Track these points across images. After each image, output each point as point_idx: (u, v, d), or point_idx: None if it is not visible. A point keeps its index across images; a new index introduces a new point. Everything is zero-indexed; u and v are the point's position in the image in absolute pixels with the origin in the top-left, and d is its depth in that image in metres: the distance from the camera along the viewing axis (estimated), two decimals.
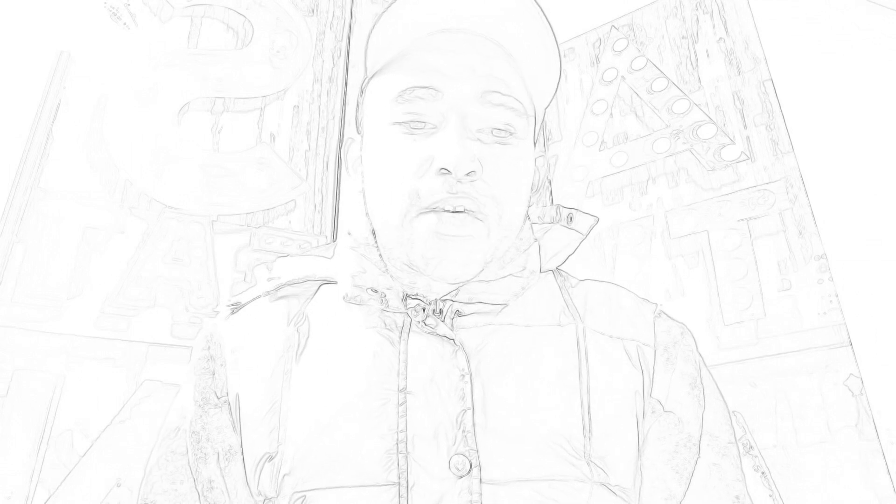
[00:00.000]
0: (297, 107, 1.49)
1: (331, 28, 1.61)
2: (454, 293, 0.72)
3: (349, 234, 0.78)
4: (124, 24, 1.40)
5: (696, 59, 1.37)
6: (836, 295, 1.07)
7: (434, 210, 0.69)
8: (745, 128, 1.26)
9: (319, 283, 0.79)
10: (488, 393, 0.67)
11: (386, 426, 0.66)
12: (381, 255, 0.76)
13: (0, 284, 1.13)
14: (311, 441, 0.67)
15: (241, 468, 0.71)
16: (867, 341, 1.02)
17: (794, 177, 1.18)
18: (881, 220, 1.08)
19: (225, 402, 0.73)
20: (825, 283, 1.08)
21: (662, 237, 1.27)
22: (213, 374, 0.75)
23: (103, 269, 1.20)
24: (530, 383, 0.68)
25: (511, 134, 0.73)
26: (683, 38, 1.40)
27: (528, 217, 0.80)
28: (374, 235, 0.76)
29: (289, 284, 0.80)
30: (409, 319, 0.72)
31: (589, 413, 0.68)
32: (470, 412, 0.66)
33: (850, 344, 1.03)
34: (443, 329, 0.70)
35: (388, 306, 0.72)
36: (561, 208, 0.81)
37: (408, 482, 0.63)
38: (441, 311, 0.72)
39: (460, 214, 0.70)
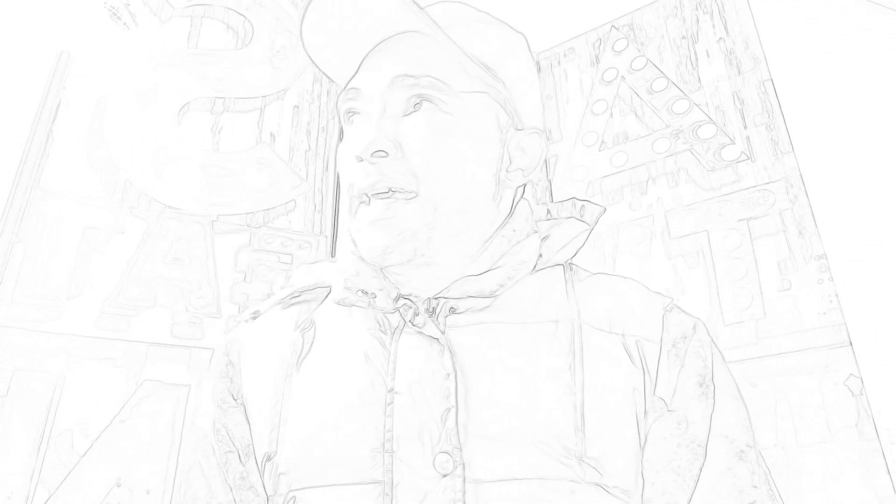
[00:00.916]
0: (297, 107, 1.49)
1: None
2: (446, 290, 0.72)
3: (349, 234, 0.79)
4: (124, 24, 1.40)
5: (696, 59, 1.37)
6: (836, 295, 1.07)
7: (365, 196, 0.71)
8: (745, 128, 1.27)
9: (328, 288, 0.80)
10: (473, 391, 0.67)
11: (373, 426, 0.66)
12: None
13: (0, 284, 1.13)
14: (304, 441, 0.69)
15: (255, 467, 0.73)
16: (867, 341, 1.02)
17: (794, 177, 1.18)
18: (881, 220, 1.08)
19: (241, 404, 0.76)
20: (825, 283, 1.08)
21: (662, 237, 1.27)
22: (231, 379, 0.77)
23: (103, 269, 1.20)
24: (518, 381, 0.67)
25: (433, 104, 0.73)
26: (683, 38, 1.40)
27: (529, 207, 0.79)
28: None
29: (303, 291, 0.81)
30: (402, 320, 0.72)
31: (582, 411, 0.66)
32: (454, 411, 0.66)
33: (850, 344, 1.03)
34: (430, 329, 0.70)
35: (377, 307, 0.73)
36: (576, 201, 0.81)
37: (392, 480, 0.64)
38: (434, 310, 0.72)
39: (385, 198, 0.70)
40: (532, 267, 0.75)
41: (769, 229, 1.17)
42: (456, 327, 0.71)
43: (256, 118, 1.44)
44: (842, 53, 1.21)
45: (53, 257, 1.18)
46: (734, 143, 1.26)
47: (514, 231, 0.76)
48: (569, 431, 0.65)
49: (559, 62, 1.58)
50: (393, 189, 0.70)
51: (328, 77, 0.84)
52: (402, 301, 0.72)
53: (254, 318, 0.82)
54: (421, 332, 0.70)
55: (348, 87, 0.77)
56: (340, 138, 0.82)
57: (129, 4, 1.42)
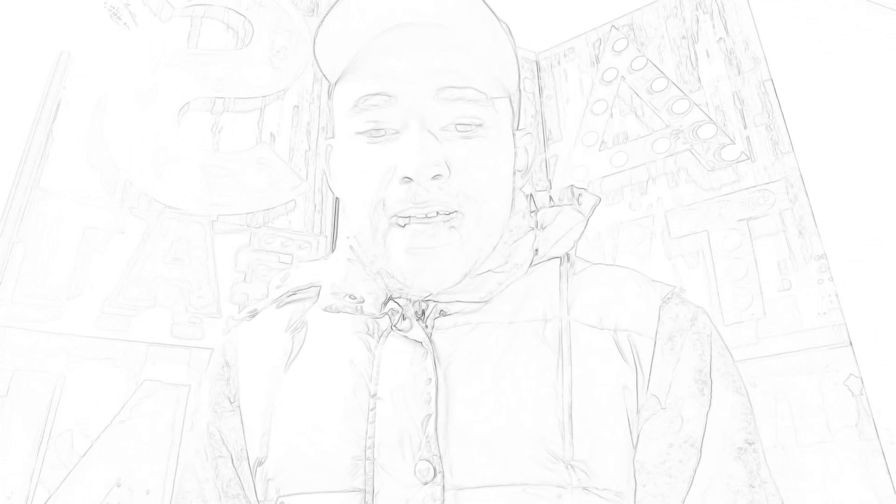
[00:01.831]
0: (297, 107, 1.49)
1: None
2: (436, 294, 0.70)
3: (347, 237, 0.77)
4: (124, 24, 1.40)
5: (696, 59, 1.37)
6: (836, 295, 1.07)
7: (402, 218, 0.67)
8: (745, 128, 1.27)
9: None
10: (453, 396, 0.65)
11: (355, 433, 0.65)
12: None
13: (0, 284, 1.13)
14: (290, 447, 0.68)
15: (248, 471, 0.72)
16: (867, 341, 1.02)
17: (794, 177, 1.18)
18: (881, 220, 1.08)
19: (237, 406, 0.74)
20: (825, 283, 1.08)
21: (662, 237, 1.27)
22: (228, 380, 0.76)
23: (103, 269, 1.20)
24: (501, 384, 0.65)
25: (479, 126, 0.69)
26: (683, 38, 1.40)
27: (527, 202, 0.77)
28: None
29: (298, 290, 0.80)
30: (390, 324, 0.70)
31: (570, 412, 0.64)
32: (433, 417, 0.64)
33: (850, 344, 1.03)
34: (414, 332, 0.68)
35: (364, 313, 0.71)
36: (574, 188, 0.78)
37: (373, 489, 0.63)
38: (423, 313, 0.70)
39: (432, 221, 0.67)
40: (526, 269, 0.72)
41: (769, 229, 1.17)
42: (443, 329, 0.69)
43: (256, 118, 1.44)
44: (842, 53, 1.21)
45: (53, 257, 1.18)
46: (734, 143, 1.26)
47: (511, 231, 0.74)
48: (554, 434, 0.63)
49: (559, 62, 1.58)
50: (440, 212, 0.67)
51: (321, 69, 0.77)
52: (390, 305, 0.71)
53: (251, 317, 0.80)
54: (406, 336, 0.68)
55: (377, 91, 0.69)
56: (331, 135, 0.78)
57: (129, 4, 1.42)
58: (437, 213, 0.67)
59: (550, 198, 0.78)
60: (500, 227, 0.72)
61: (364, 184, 0.69)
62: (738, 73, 1.31)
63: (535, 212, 0.77)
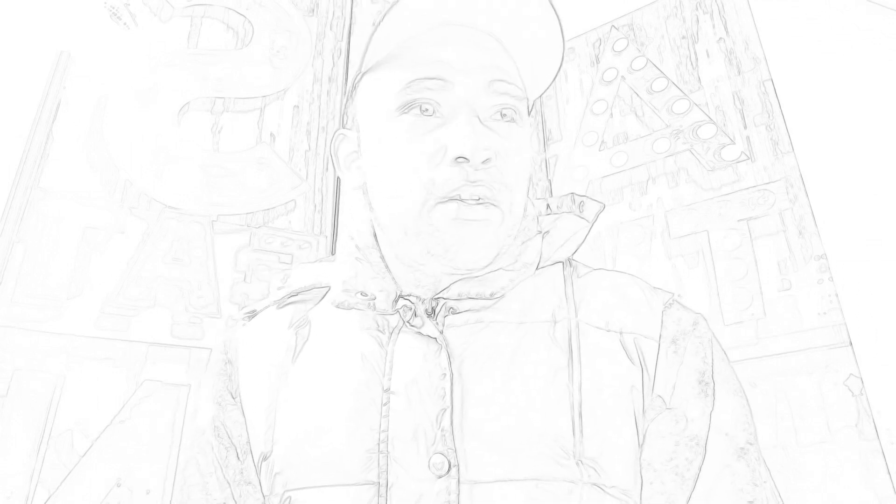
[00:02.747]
0: (297, 107, 1.49)
1: (331, 28, 1.61)
2: (446, 290, 0.72)
3: (351, 237, 0.78)
4: (124, 24, 1.40)
5: (696, 59, 1.37)
6: (836, 295, 1.07)
7: (452, 199, 0.69)
8: (745, 128, 1.27)
9: (325, 288, 0.79)
10: (468, 392, 0.66)
11: (367, 426, 0.66)
12: (381, 256, 0.76)
13: (0, 284, 1.13)
14: (299, 441, 0.68)
15: (252, 465, 0.73)
16: (867, 341, 1.02)
17: (794, 177, 1.18)
18: (881, 220, 1.08)
19: (239, 402, 0.76)
20: (825, 283, 1.08)
21: (662, 237, 1.27)
22: (230, 377, 0.77)
23: (103, 269, 1.20)
24: (514, 381, 0.67)
25: (515, 120, 0.73)
26: (683, 38, 1.40)
27: (534, 206, 0.79)
28: (375, 235, 0.76)
29: (300, 291, 0.81)
30: (401, 321, 0.72)
31: (580, 411, 0.66)
32: (448, 411, 0.65)
33: (850, 344, 1.03)
34: (427, 328, 0.70)
35: (376, 309, 0.73)
36: (575, 196, 0.80)
37: (387, 482, 0.64)
38: (434, 310, 0.72)
39: (478, 204, 0.69)
40: (534, 269, 0.74)
41: (769, 229, 1.17)
42: (454, 326, 0.71)
43: (256, 118, 1.44)
44: (842, 53, 1.21)
45: (53, 257, 1.18)
46: (734, 143, 1.26)
47: (521, 232, 0.76)
48: (566, 431, 0.65)
49: None
50: (484, 197, 0.69)
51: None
52: (401, 302, 0.72)
53: (250, 317, 0.82)
54: (419, 332, 0.69)
55: (433, 76, 0.71)
56: (347, 126, 0.80)
57: (129, 4, 1.42)
58: (482, 197, 0.69)
59: (548, 206, 0.80)
60: (518, 224, 0.74)
61: (409, 163, 0.70)
62: (738, 73, 1.31)
63: (539, 216, 0.80)
